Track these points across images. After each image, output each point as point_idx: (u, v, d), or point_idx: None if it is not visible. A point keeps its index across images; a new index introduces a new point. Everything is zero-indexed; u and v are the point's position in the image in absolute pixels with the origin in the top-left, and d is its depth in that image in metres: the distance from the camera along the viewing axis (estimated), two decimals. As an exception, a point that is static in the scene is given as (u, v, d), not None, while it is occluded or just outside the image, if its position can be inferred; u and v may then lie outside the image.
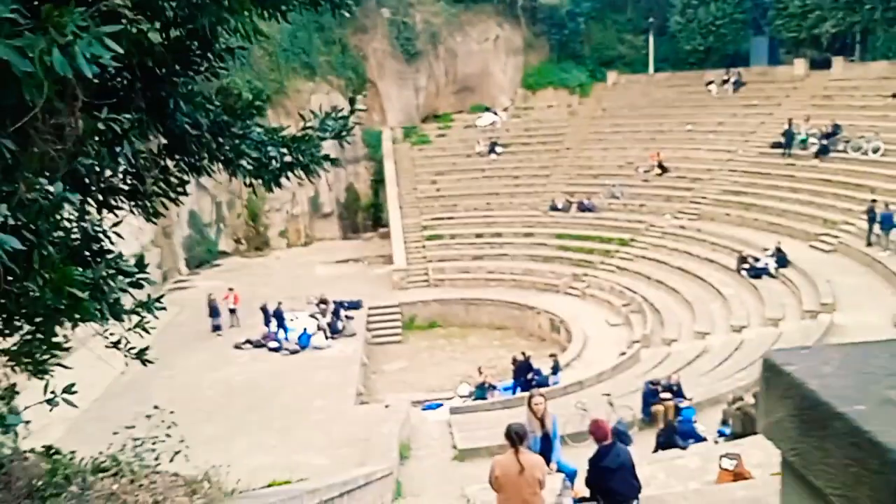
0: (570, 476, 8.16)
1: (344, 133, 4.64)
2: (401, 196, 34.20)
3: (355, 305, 27.38)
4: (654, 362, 19.71)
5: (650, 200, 30.65)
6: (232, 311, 26.20)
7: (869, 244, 21.94)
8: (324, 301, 26.90)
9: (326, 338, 24.81)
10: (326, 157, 4.65)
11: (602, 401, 15.28)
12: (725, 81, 35.71)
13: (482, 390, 19.59)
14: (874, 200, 22.48)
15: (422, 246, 31.80)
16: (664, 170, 31.89)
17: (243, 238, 35.91)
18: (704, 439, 13.29)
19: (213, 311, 25.66)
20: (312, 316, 26.26)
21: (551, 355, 21.39)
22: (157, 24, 3.65)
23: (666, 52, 39.99)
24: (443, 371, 23.59)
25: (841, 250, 23.04)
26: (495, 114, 39.03)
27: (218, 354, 23.96)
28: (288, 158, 4.51)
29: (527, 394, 18.81)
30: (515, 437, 6.90)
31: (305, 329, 24.95)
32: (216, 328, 25.73)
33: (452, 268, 30.27)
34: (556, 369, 20.46)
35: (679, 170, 31.69)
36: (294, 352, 24.10)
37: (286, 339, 24.60)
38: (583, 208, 31.51)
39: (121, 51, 2.53)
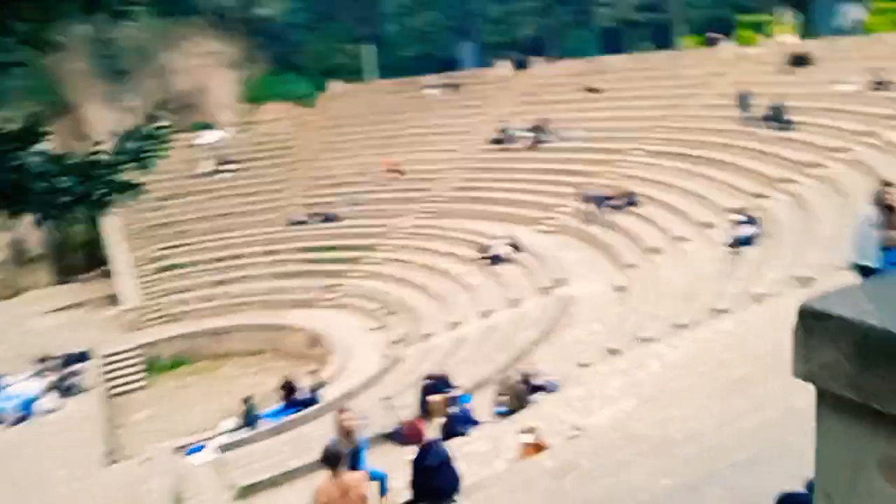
0: (382, 481, 8.01)
1: (146, 156, 3.93)
2: (124, 227, 31.26)
3: (84, 357, 24.42)
4: (417, 359, 20.16)
5: (389, 204, 31.35)
6: (-77, 389, 22.05)
7: (585, 222, 24.49)
8: (45, 358, 23.69)
9: (60, 398, 21.90)
10: (129, 185, 3.90)
11: (381, 405, 15.23)
12: (442, 85, 37.78)
13: (251, 419, 18.59)
14: (588, 182, 25.18)
15: (155, 279, 29.38)
16: (398, 173, 32.87)
17: (-73, 298, 30.39)
18: (479, 422, 13.81)
19: None
20: (34, 377, 22.99)
21: (312, 372, 20.95)
22: None
23: (384, 59, 41.22)
24: (199, 410, 21.94)
25: (562, 230, 25.42)
26: (219, 131, 37.38)
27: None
28: (83, 188, 3.70)
29: (296, 415, 18.37)
30: (333, 459, 6.62)
31: (27, 393, 21.78)
32: None
33: (194, 298, 28.33)
34: (318, 385, 20.08)
35: (412, 172, 32.82)
36: (17, 421, 20.88)
37: (4, 408, 21.27)
38: (325, 219, 31.35)
39: None
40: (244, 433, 17.81)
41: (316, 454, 13.86)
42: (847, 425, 1.45)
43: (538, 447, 8.29)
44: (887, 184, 8.01)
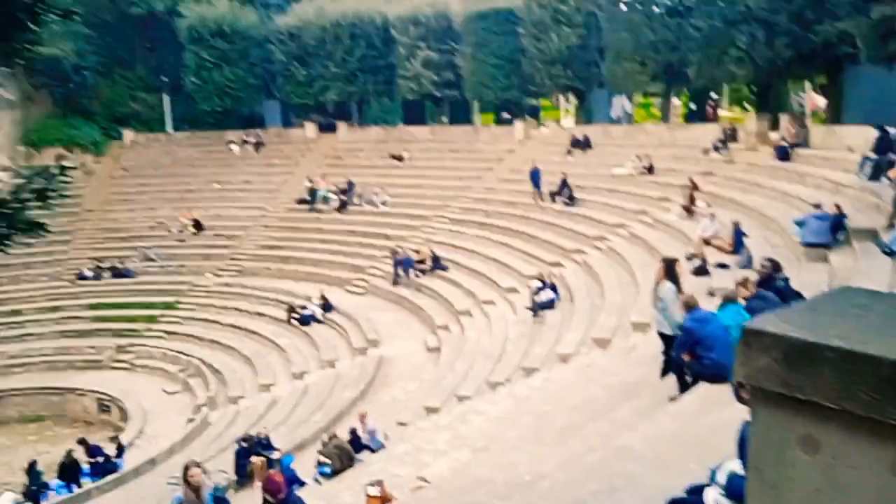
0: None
1: (52, 193, 3.99)
2: None
3: None
4: (226, 423, 19.54)
5: (189, 260, 30.25)
6: None
7: (395, 284, 25.36)
8: None
9: None
10: (32, 224, 3.92)
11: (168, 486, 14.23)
12: (246, 142, 37.45)
13: (36, 490, 16.89)
14: (398, 245, 26.14)
15: None
16: (199, 228, 31.86)
17: None
18: (305, 483, 13.79)
19: None
20: None
21: (112, 438, 19.54)
22: None
23: (183, 111, 40.16)
24: (-32, 484, 19.45)
25: (372, 291, 26.07)
26: (-8, 175, 33.99)
27: None
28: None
29: (93, 484, 16.98)
30: None
31: None
32: None
33: (-41, 358, 25.22)
34: (120, 451, 18.80)
35: (214, 228, 32.00)
36: None
37: None
38: (117, 274, 29.46)
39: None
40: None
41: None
42: (774, 414, 2.15)
43: (384, 499, 8.64)
44: (675, 259, 9.56)
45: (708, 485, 3.51)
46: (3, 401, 23.48)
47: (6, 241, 3.82)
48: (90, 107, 39.39)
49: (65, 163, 4.29)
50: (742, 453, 3.45)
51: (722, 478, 3.38)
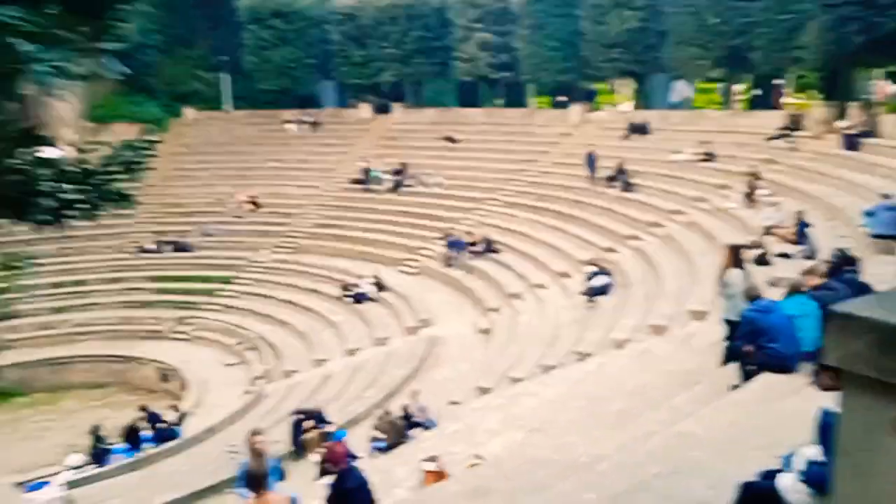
0: (295, 502, 8.22)
1: (135, 167, 4.18)
2: (-54, 246, 28.51)
3: None
4: (280, 396, 20.00)
5: (247, 237, 30.90)
6: None
7: (447, 265, 25.49)
8: None
9: None
10: (121, 195, 4.11)
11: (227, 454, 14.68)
12: (303, 121, 37.93)
13: (100, 453, 17.61)
14: (451, 228, 26.24)
15: (-19, 303, 26.98)
16: (257, 205, 32.49)
17: None
18: (358, 457, 14.06)
19: None
20: None
21: (173, 406, 20.22)
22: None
23: (242, 90, 40.81)
24: (37, 445, 20.37)
25: (424, 272, 26.25)
26: (60, 149, 35.13)
27: None
28: (72, 196, 3.89)
29: (155, 450, 17.62)
30: (258, 480, 6.81)
31: None
32: None
33: (29, 325, 26.24)
34: (181, 419, 19.46)
35: (271, 205, 32.58)
36: None
37: None
38: (177, 248, 30.29)
39: None
40: (93, 468, 16.85)
41: (179, 491, 13.52)
42: (865, 398, 2.17)
43: (440, 475, 8.80)
44: (741, 245, 9.41)
45: (781, 470, 3.50)
46: (70, 367, 24.47)
47: (96, 211, 4.02)
48: (152, 84, 40.34)
49: (150, 137, 4.54)
50: (823, 439, 3.43)
51: (800, 464, 3.37)
